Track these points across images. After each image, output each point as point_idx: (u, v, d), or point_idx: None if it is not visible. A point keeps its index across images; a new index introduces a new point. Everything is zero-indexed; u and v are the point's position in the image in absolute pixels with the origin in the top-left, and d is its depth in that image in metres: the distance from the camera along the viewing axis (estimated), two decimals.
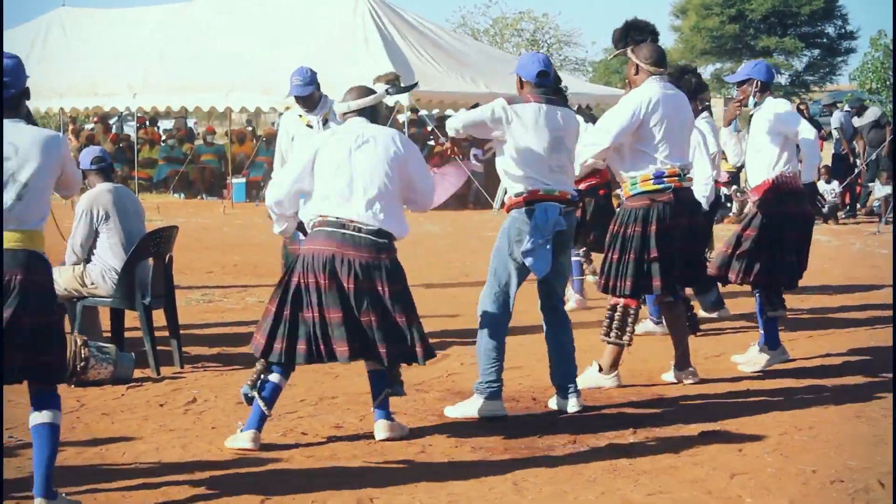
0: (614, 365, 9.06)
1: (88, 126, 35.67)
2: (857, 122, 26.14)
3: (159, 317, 9.85)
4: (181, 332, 10.03)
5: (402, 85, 8.32)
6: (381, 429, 7.56)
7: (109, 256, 9.61)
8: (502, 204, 8.62)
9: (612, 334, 8.97)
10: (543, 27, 63.96)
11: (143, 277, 9.65)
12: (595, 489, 6.61)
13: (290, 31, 29.67)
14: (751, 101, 9.63)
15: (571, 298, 12.44)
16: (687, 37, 67.73)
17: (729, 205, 23.54)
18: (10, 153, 6.10)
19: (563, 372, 8.31)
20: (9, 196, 6.06)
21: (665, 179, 8.72)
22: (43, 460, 6.19)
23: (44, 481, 6.17)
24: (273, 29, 29.96)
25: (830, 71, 70.97)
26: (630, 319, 8.96)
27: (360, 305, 7.24)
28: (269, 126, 36.15)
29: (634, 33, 9.04)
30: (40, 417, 6.22)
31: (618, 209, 9.07)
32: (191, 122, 39.82)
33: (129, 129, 35.99)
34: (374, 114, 7.66)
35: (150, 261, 9.70)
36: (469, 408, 8.14)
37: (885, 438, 7.54)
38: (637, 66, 8.85)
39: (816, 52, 69.97)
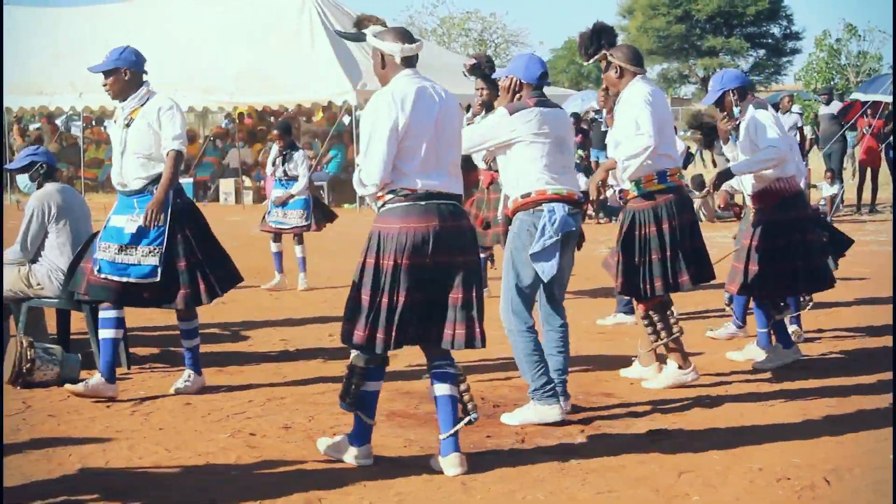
0: (686, 358, 9.11)
1: (34, 126, 35.47)
2: (823, 110, 26.31)
3: None
4: (128, 332, 9.96)
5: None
6: (454, 464, 6.89)
7: (56, 256, 9.55)
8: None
9: (664, 334, 9.02)
10: (491, 27, 64.23)
11: None
12: (543, 488, 6.62)
13: (236, 28, 29.62)
14: (735, 110, 9.56)
15: None
16: (634, 37, 68.06)
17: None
18: None
19: (553, 375, 8.12)
20: None
21: (668, 178, 8.83)
22: None
23: None
24: (219, 26, 29.88)
25: (776, 71, 71.60)
26: (667, 311, 9.05)
27: (457, 280, 6.80)
28: (217, 126, 35.97)
29: (606, 36, 9.05)
30: None
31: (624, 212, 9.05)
32: None
33: (76, 129, 35.75)
34: (415, 63, 7.06)
35: None
36: (527, 415, 7.98)
37: (830, 436, 7.60)
38: (621, 68, 8.87)
39: (762, 52, 70.56)
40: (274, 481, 6.74)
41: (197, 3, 31.72)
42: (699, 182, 23.60)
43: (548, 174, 8.02)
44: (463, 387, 7.02)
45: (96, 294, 8.78)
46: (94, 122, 34.63)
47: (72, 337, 10.05)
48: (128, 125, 8.91)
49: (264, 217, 14.98)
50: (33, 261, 9.60)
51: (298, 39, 28.99)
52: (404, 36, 6.98)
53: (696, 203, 23.51)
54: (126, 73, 8.93)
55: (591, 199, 8.97)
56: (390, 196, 6.78)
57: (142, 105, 8.96)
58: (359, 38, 7.11)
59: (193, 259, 8.84)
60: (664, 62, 70.82)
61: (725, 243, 15.05)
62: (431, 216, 6.74)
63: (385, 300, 6.71)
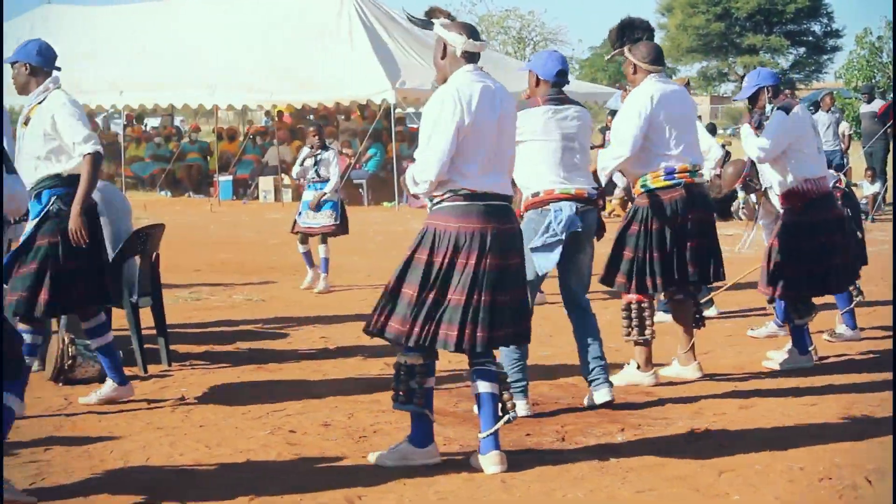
0: (649, 361, 9.09)
1: None
2: (864, 108, 26.22)
3: (146, 315, 9.83)
4: (168, 330, 10.01)
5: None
6: (494, 462, 6.84)
7: None
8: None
9: (634, 332, 9.02)
10: (529, 25, 64.16)
11: (131, 275, 9.63)
12: (583, 487, 6.60)
13: (276, 27, 29.68)
14: (768, 108, 9.56)
15: None
16: (673, 35, 67.92)
17: None
18: None
19: (593, 365, 8.27)
20: None
21: (676, 175, 8.78)
22: None
23: None
24: (260, 26, 29.97)
25: (816, 69, 71.25)
26: (646, 314, 9.01)
27: (510, 281, 6.77)
28: (257, 124, 36.12)
29: (630, 32, 9.01)
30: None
31: (630, 207, 9.09)
32: (178, 120, 39.82)
33: (116, 127, 35.90)
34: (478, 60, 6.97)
35: (138, 259, 9.68)
36: None
37: (872, 435, 7.56)
38: (635, 65, 8.87)
39: (802, 50, 70.22)
40: (313, 479, 6.74)
41: (237, 2, 31.80)
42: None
43: (556, 173, 8.10)
44: (504, 385, 6.99)
45: (17, 309, 8.08)
46: (134, 121, 34.77)
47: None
48: (25, 123, 8.45)
49: (295, 220, 14.87)
50: None
51: (338, 38, 29.03)
52: (470, 31, 6.91)
53: (736, 203, 23.43)
54: (26, 68, 8.49)
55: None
56: (449, 194, 6.73)
57: (39, 103, 8.40)
58: (427, 25, 7.03)
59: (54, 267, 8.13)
60: (703, 60, 70.61)
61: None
62: (490, 218, 6.72)
63: (432, 296, 6.67)
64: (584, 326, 8.36)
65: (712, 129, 30.22)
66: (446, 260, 6.66)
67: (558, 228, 7.96)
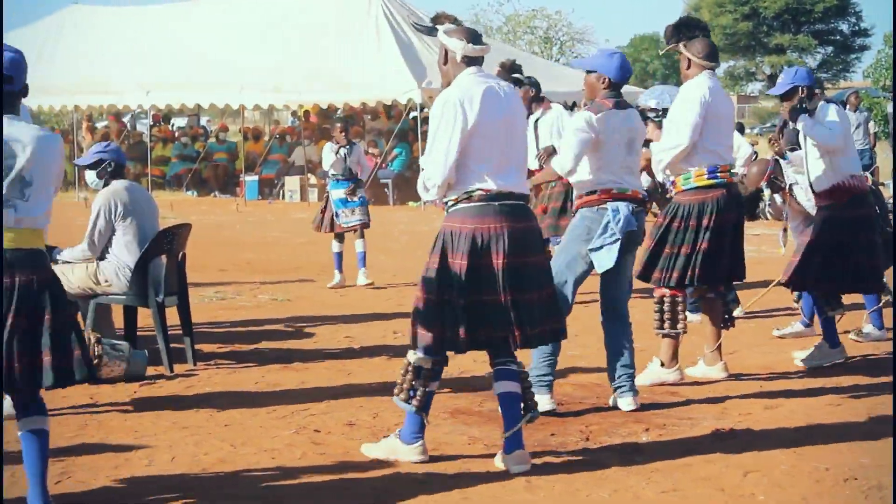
0: (674, 358, 9.10)
1: (102, 123, 35.79)
2: (892, 107, 26.20)
3: (172, 314, 9.86)
4: (194, 329, 10.04)
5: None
6: (518, 461, 6.84)
7: (124, 254, 9.61)
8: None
9: (666, 325, 9.03)
10: (556, 24, 64.12)
11: (157, 275, 9.65)
12: (607, 487, 6.60)
13: (303, 28, 29.71)
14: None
15: None
16: None
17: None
18: (17, 150, 5.82)
19: (620, 372, 8.25)
20: (14, 194, 5.82)
21: (718, 175, 8.84)
22: (40, 465, 5.97)
23: (39, 488, 5.94)
24: (286, 26, 30.01)
25: (844, 68, 70.96)
26: (679, 308, 9.05)
27: (531, 280, 6.78)
28: (283, 124, 36.18)
29: (685, 30, 9.03)
30: (37, 423, 6.01)
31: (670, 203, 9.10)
32: (204, 120, 39.93)
33: (142, 127, 36.04)
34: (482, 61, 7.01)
35: (164, 258, 9.70)
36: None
37: None
38: (689, 60, 8.91)
39: (830, 49, 69.98)
40: (338, 478, 6.75)
41: (264, 2, 31.85)
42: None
43: (614, 173, 8.11)
44: (526, 384, 7.00)
45: None
46: (160, 121, 34.88)
47: (139, 333, 10.12)
48: None
49: (331, 219, 14.82)
50: (101, 258, 9.65)
51: (364, 38, 29.05)
52: (470, 36, 6.92)
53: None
54: None
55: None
56: (464, 196, 6.75)
57: None
58: (432, 32, 7.07)
59: None
60: (731, 59, 70.41)
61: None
62: (505, 217, 6.72)
63: (454, 300, 6.68)
64: (619, 333, 8.31)
65: (740, 129, 30.17)
66: (465, 262, 6.66)
67: (617, 228, 7.98)
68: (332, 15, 29.97)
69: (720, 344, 9.31)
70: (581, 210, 8.23)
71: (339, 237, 14.83)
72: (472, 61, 6.91)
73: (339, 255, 14.81)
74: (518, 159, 6.91)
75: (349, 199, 14.69)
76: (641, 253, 8.92)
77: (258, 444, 7.45)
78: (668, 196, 9.33)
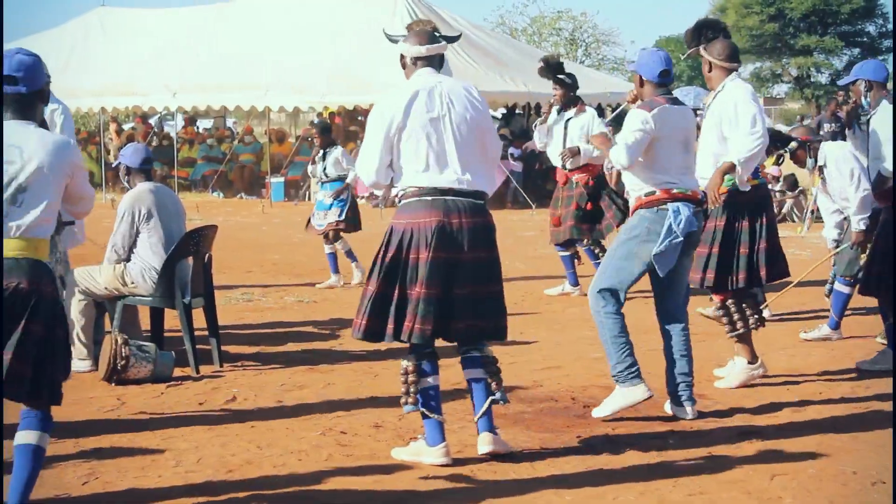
0: (754, 353, 9.13)
1: (129, 125, 35.90)
2: None
3: (199, 316, 9.89)
4: (220, 330, 10.06)
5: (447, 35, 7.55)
6: (485, 442, 7.06)
7: (150, 255, 9.64)
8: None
9: (739, 325, 9.04)
10: (582, 26, 63.98)
11: (183, 276, 9.68)
12: (634, 489, 6.59)
13: (328, 30, 29.73)
14: (864, 102, 9.54)
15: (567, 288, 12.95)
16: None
17: None
18: (14, 156, 5.74)
19: (679, 380, 8.16)
20: (7, 200, 5.70)
21: (759, 174, 8.99)
22: (21, 482, 5.76)
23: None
24: (312, 27, 30.04)
25: None
26: (745, 305, 9.08)
27: (464, 275, 6.88)
28: (308, 126, 36.20)
29: (706, 31, 9.00)
30: (26, 437, 5.81)
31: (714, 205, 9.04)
32: (230, 122, 40.00)
33: (169, 128, 36.14)
34: (442, 62, 7.22)
35: (190, 260, 9.73)
36: (616, 401, 8.01)
37: None
38: (710, 63, 8.88)
39: (857, 50, 69.60)
40: (364, 480, 6.76)
41: (288, 4, 31.87)
42: (792, 182, 23.41)
43: (673, 174, 8.04)
44: (491, 369, 7.15)
45: None
46: (187, 122, 34.97)
47: (165, 334, 10.14)
48: None
49: (309, 220, 14.97)
50: (127, 259, 9.69)
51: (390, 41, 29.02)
52: (420, 38, 7.15)
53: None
54: None
55: (711, 202, 8.87)
56: (402, 193, 6.99)
57: None
58: (395, 40, 7.32)
59: None
60: (757, 61, 70.14)
61: (819, 245, 14.85)
62: (436, 212, 6.86)
63: (385, 291, 6.89)
64: (678, 340, 8.19)
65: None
66: (399, 255, 6.88)
67: (679, 230, 7.91)
68: (357, 16, 29.98)
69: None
70: (639, 210, 8.11)
71: (325, 238, 14.91)
72: (427, 61, 7.14)
73: (332, 255, 14.89)
74: (463, 156, 6.96)
75: (325, 202, 14.68)
76: (698, 261, 8.91)
77: (284, 446, 7.46)
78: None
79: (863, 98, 9.50)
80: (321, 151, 14.95)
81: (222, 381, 9.37)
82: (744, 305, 9.09)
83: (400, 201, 7.04)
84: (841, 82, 10.04)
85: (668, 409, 8.25)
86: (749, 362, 9.09)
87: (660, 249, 7.90)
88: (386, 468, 6.98)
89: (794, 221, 22.89)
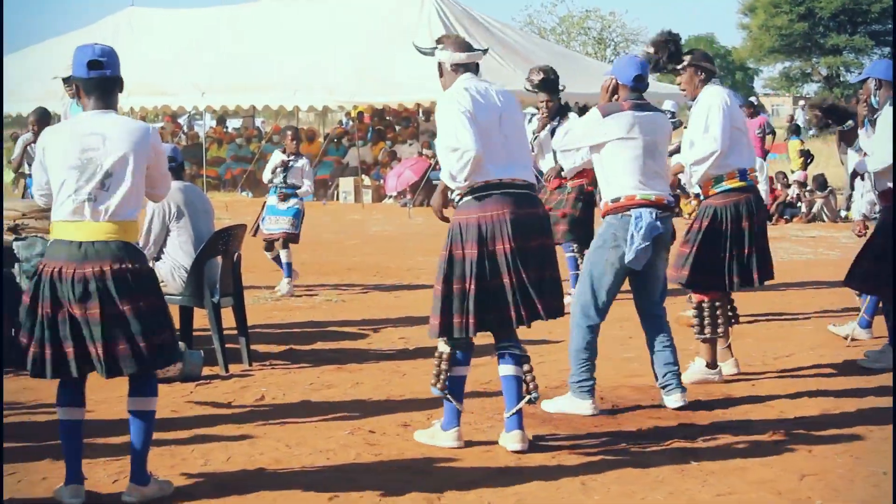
0: (715, 358, 9.17)
1: (158, 125, 36.00)
2: None
3: (228, 315, 9.90)
4: (249, 330, 10.08)
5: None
6: (515, 440, 7.24)
7: (179, 254, 9.67)
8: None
9: (707, 330, 9.08)
10: (610, 25, 63.92)
11: (212, 275, 9.70)
12: (663, 489, 6.57)
13: (357, 28, 29.77)
14: (872, 100, 9.55)
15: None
16: (755, 35, 67.30)
17: (799, 204, 23.43)
18: (97, 143, 6.09)
19: (664, 371, 8.32)
20: (92, 185, 6.07)
21: (748, 176, 8.98)
22: (138, 446, 6.28)
23: (138, 467, 6.28)
24: (340, 27, 30.07)
25: None
26: (719, 312, 9.12)
27: (535, 262, 7.10)
28: (336, 125, 36.24)
29: (670, 45, 9.03)
30: (137, 404, 6.31)
31: (699, 206, 9.11)
32: (258, 122, 40.09)
33: (199, 128, 36.22)
34: (478, 69, 7.45)
35: (219, 259, 9.74)
36: (563, 404, 8.21)
37: None
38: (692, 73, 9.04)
39: (887, 49, 69.25)
40: (393, 479, 6.76)
41: (317, 3, 31.94)
42: (821, 182, 23.35)
43: (637, 179, 8.13)
44: (526, 367, 7.27)
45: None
46: (215, 122, 35.06)
47: (194, 334, 10.17)
48: None
49: (258, 226, 14.62)
50: (157, 258, 9.71)
51: (418, 38, 28.93)
52: (458, 45, 7.40)
53: (818, 203, 23.26)
54: None
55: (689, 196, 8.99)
56: (468, 188, 7.09)
57: None
58: (430, 52, 7.51)
59: None
60: (786, 60, 69.91)
61: (849, 245, 14.81)
62: (506, 204, 7.04)
63: (465, 287, 7.03)
64: (657, 334, 8.37)
65: (797, 130, 30.04)
66: (472, 250, 7.03)
67: (640, 236, 7.98)
68: (385, 15, 30.02)
69: (730, 342, 9.41)
70: (606, 217, 8.27)
71: (268, 246, 14.60)
72: (465, 68, 7.34)
73: (277, 259, 14.59)
74: (516, 151, 7.23)
75: (278, 207, 14.55)
76: (679, 259, 9.00)
77: (313, 445, 7.47)
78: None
79: (872, 96, 9.51)
80: (289, 159, 14.66)
81: (251, 380, 9.39)
82: (718, 311, 9.14)
83: (462, 198, 7.17)
84: (853, 79, 10.02)
85: (662, 401, 8.35)
86: (708, 365, 9.14)
87: (631, 257, 8.04)
88: (414, 467, 6.99)
89: (823, 221, 22.81)
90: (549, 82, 12.39)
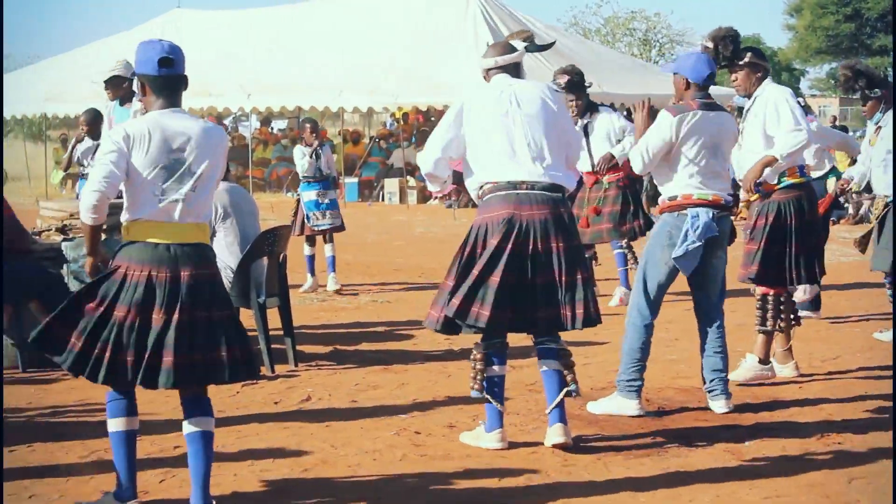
0: (769, 355, 9.18)
1: None
2: None
3: (273, 315, 9.93)
4: (295, 330, 10.10)
5: (538, 44, 7.90)
6: (557, 433, 7.21)
7: (226, 255, 9.70)
8: None
9: (769, 323, 9.09)
10: (656, 26, 63.66)
11: (258, 276, 9.72)
12: (710, 492, 6.55)
13: (401, 29, 29.82)
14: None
15: (617, 293, 13.03)
16: (801, 36, 67.02)
17: (846, 205, 23.29)
18: (184, 143, 5.95)
19: (713, 376, 8.24)
20: (185, 187, 5.93)
21: (805, 172, 9.06)
22: (203, 470, 5.98)
23: (205, 493, 5.98)
24: (385, 28, 30.13)
25: None
26: (782, 307, 9.13)
27: (539, 265, 7.00)
28: (381, 126, 36.30)
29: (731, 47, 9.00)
30: (200, 424, 6.03)
31: (758, 202, 9.05)
32: None
33: (244, 129, 36.35)
34: (518, 69, 7.46)
35: (265, 260, 9.77)
36: (609, 405, 8.17)
37: None
38: (762, 69, 9.02)
39: None
40: (439, 480, 6.77)
41: (362, 4, 32.00)
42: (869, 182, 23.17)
43: (697, 178, 8.07)
44: (566, 362, 7.27)
45: None
46: (260, 123, 35.18)
47: None
48: None
49: (302, 221, 14.57)
50: None
51: (462, 39, 29.06)
52: (494, 50, 7.54)
53: (865, 204, 23.10)
54: None
55: (745, 195, 8.93)
56: (480, 192, 7.24)
57: None
58: (547, 47, 8.00)
59: None
60: (833, 61, 69.58)
61: None
62: (508, 205, 7.03)
63: (477, 274, 7.00)
64: (712, 337, 8.28)
65: (843, 131, 29.85)
66: (476, 249, 7.09)
67: (696, 235, 7.94)
68: (430, 17, 30.05)
69: (791, 344, 9.38)
70: (663, 215, 8.25)
71: (311, 240, 14.65)
72: (501, 70, 7.44)
73: (311, 258, 14.67)
74: (537, 150, 7.14)
75: (320, 202, 14.60)
76: (748, 257, 9.00)
77: (359, 445, 7.49)
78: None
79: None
80: (313, 149, 14.67)
81: (297, 380, 9.41)
82: (781, 306, 9.15)
83: (480, 201, 7.25)
84: None
85: (713, 408, 8.27)
86: (760, 361, 9.15)
87: (678, 254, 7.99)
88: (461, 468, 6.98)
89: (870, 222, 22.65)
90: (574, 84, 12.46)
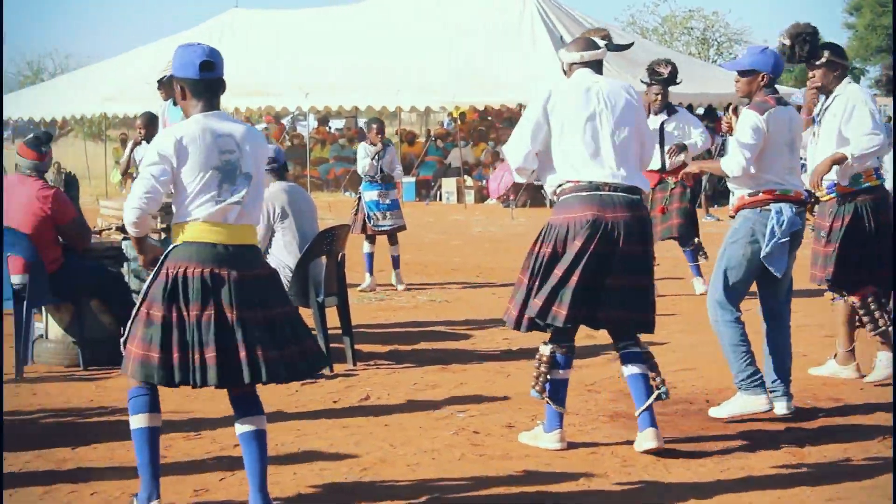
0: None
1: (261, 126, 36.28)
2: None
3: (332, 315, 9.94)
4: (353, 329, 10.12)
5: (616, 43, 7.82)
6: (649, 438, 7.14)
7: (284, 254, 9.72)
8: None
9: (881, 321, 9.01)
10: (713, 25, 63.21)
11: (317, 275, 9.74)
12: (772, 494, 6.50)
13: (458, 29, 29.82)
14: None
15: (697, 283, 13.27)
16: (861, 34, 66.42)
17: None
18: (233, 145, 5.95)
19: (776, 377, 8.13)
20: (241, 189, 5.92)
21: (880, 174, 8.94)
22: (260, 470, 5.97)
23: (264, 495, 5.96)
24: (442, 28, 30.13)
25: None
26: (882, 301, 9.04)
27: (620, 267, 6.99)
28: (439, 125, 36.31)
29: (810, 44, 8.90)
30: (254, 423, 6.03)
31: (831, 203, 8.94)
32: (361, 122, 40.29)
33: (301, 129, 36.46)
34: (600, 66, 7.43)
35: (324, 259, 9.78)
36: (734, 407, 8.04)
37: None
38: (840, 66, 8.90)
39: None
40: (498, 480, 6.75)
41: (418, 4, 32.03)
42: None
43: (776, 174, 7.97)
44: (651, 364, 7.23)
45: None
46: (318, 122, 35.28)
47: None
48: None
49: (363, 221, 14.60)
50: None
51: (519, 39, 29.04)
52: (577, 45, 7.50)
53: None
54: None
55: (813, 189, 8.83)
56: (559, 190, 7.14)
57: None
58: (627, 46, 7.87)
59: None
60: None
61: None
62: (592, 206, 6.99)
63: (560, 275, 6.98)
64: (777, 338, 8.18)
65: None
66: (556, 249, 7.04)
67: (780, 231, 7.87)
68: (487, 16, 30.05)
69: (854, 345, 9.29)
70: (742, 211, 8.10)
71: (371, 239, 14.65)
72: (584, 66, 7.39)
73: (370, 256, 14.67)
74: (619, 152, 7.11)
75: (381, 202, 14.59)
76: (825, 259, 8.90)
77: (418, 445, 7.49)
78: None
79: None
80: (375, 149, 14.66)
81: (356, 379, 9.42)
82: (882, 301, 9.03)
83: (557, 198, 7.20)
84: None
85: (775, 409, 8.15)
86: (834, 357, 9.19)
87: (767, 251, 7.90)
88: (520, 468, 6.97)
89: None
90: (672, 79, 12.47)
